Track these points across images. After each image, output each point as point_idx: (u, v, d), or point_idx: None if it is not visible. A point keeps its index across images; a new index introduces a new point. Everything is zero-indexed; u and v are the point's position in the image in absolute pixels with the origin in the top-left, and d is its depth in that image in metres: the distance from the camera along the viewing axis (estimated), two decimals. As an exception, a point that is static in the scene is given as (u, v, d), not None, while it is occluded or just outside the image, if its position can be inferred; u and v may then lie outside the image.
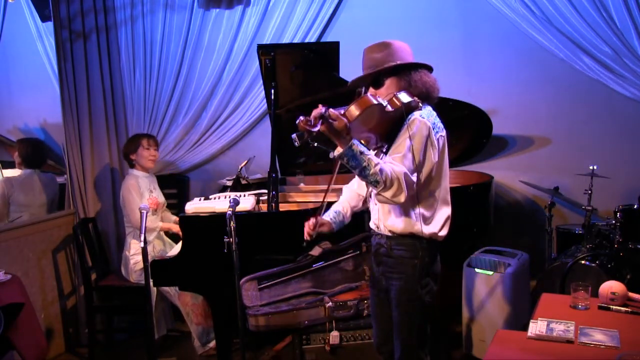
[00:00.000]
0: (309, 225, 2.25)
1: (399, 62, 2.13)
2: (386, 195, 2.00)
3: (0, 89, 5.07)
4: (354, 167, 1.96)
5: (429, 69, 2.20)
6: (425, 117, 2.09)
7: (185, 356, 3.64)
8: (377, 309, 2.41)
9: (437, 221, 2.19)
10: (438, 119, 2.17)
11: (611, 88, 3.77)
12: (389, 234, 2.21)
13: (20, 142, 4.16)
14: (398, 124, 2.09)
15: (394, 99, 2.07)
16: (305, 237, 2.26)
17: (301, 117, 1.89)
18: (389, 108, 2.05)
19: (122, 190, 3.63)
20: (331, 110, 1.92)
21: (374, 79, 2.17)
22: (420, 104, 2.13)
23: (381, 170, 1.94)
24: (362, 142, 2.03)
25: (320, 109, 1.90)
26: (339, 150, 1.95)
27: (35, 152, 4.04)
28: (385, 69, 2.13)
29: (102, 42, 3.94)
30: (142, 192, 3.62)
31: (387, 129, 2.12)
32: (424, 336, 2.25)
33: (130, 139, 3.80)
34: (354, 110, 1.97)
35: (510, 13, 3.87)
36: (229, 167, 4.41)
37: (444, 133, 2.17)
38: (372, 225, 2.32)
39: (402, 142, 2.05)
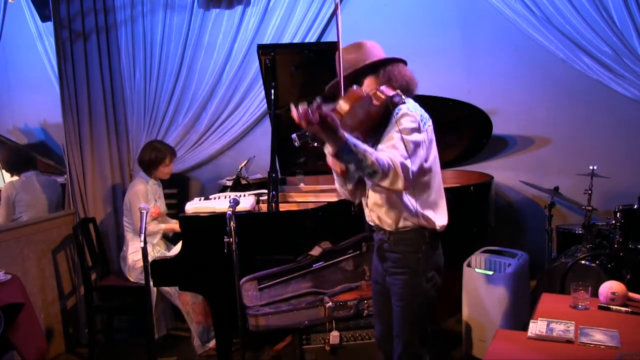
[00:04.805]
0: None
1: (375, 59, 2.15)
2: (384, 184, 1.94)
3: (0, 89, 5.07)
4: (349, 161, 1.92)
5: (404, 62, 2.22)
6: (412, 109, 2.08)
7: (185, 356, 3.64)
8: (380, 305, 2.39)
9: (435, 211, 2.17)
10: (423, 110, 2.15)
11: (611, 88, 3.76)
12: (391, 230, 2.19)
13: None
14: (385, 120, 2.07)
15: (377, 92, 2.04)
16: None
17: (300, 109, 1.75)
18: (375, 102, 2.01)
19: (130, 194, 3.61)
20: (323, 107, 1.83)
21: (352, 80, 2.14)
22: (404, 97, 2.09)
23: (377, 160, 1.89)
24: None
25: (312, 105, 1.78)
26: (332, 148, 1.90)
27: (15, 156, 4.05)
28: (363, 68, 2.14)
29: (102, 42, 3.94)
30: (148, 199, 3.60)
31: (375, 124, 2.08)
32: (426, 334, 2.23)
33: (153, 147, 3.65)
34: (343, 104, 1.90)
35: (510, 13, 3.87)
36: (229, 167, 4.41)
37: (431, 123, 2.15)
38: (372, 222, 2.29)
39: (392, 135, 2.02)
